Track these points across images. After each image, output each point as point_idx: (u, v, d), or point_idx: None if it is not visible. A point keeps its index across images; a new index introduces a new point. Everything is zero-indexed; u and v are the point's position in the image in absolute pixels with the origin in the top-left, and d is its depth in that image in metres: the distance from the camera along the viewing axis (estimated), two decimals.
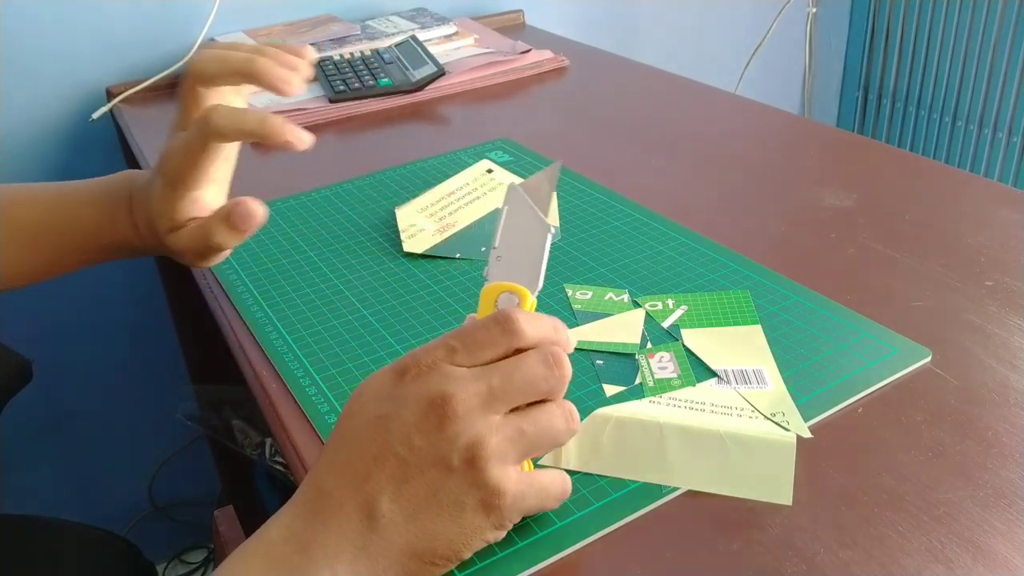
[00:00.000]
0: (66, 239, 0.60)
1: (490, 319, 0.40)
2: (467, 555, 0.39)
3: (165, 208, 0.55)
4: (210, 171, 0.53)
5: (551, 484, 0.41)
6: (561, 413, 0.40)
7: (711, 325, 0.56)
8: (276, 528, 0.38)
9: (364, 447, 0.38)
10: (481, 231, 0.68)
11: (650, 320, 0.57)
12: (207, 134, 0.50)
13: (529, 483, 0.39)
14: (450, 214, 0.69)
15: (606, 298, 0.60)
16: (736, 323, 0.56)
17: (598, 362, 0.54)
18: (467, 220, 0.69)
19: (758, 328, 0.56)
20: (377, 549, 0.37)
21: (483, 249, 0.66)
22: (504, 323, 0.39)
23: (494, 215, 0.70)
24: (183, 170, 0.53)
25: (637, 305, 0.59)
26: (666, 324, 0.57)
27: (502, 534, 0.40)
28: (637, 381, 0.52)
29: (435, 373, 0.38)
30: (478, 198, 0.73)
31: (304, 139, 0.50)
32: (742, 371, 0.52)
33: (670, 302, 0.59)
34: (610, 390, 0.51)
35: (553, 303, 0.60)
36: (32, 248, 0.60)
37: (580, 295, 0.61)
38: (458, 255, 0.65)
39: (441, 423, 0.37)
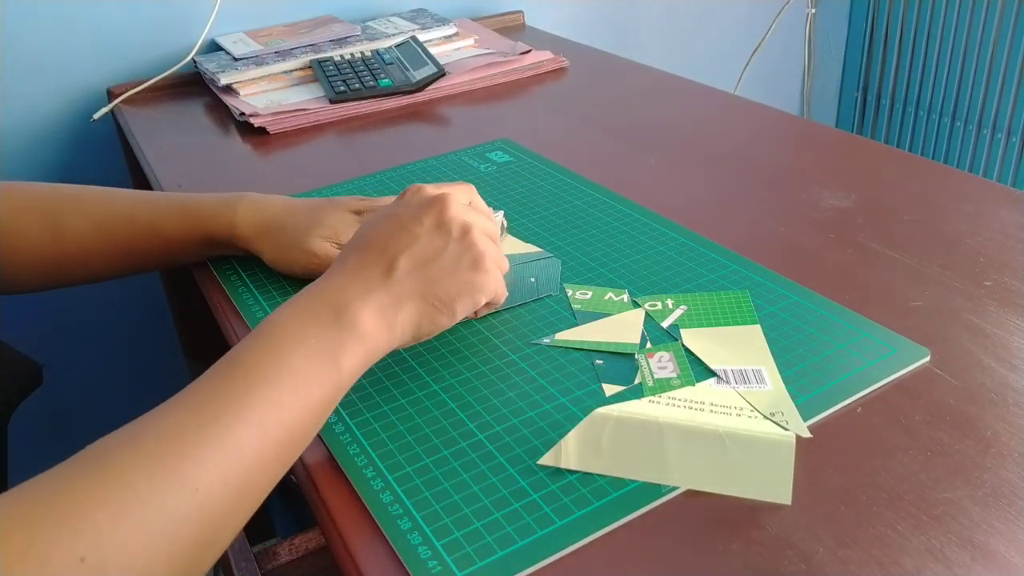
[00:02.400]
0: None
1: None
2: (459, 308, 0.51)
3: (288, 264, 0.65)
4: None
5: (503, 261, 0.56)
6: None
7: (710, 325, 0.56)
8: (311, 290, 0.49)
9: (380, 231, 0.51)
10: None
11: (649, 320, 0.58)
12: None
13: (498, 270, 0.54)
14: None
15: (606, 298, 0.60)
16: (735, 323, 0.56)
17: (598, 362, 0.54)
18: None
19: (757, 328, 0.56)
20: (396, 290, 0.49)
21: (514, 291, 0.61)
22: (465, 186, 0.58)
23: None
24: None
25: (637, 305, 0.59)
26: (665, 324, 0.57)
27: (483, 301, 0.53)
28: (637, 381, 0.52)
29: (429, 189, 0.54)
30: None
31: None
32: (741, 371, 0.52)
33: (669, 302, 0.59)
34: (610, 390, 0.51)
35: (553, 303, 0.60)
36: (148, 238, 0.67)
37: (580, 295, 0.61)
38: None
39: (442, 211, 0.52)
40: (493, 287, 0.53)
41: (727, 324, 0.56)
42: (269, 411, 0.42)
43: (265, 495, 0.42)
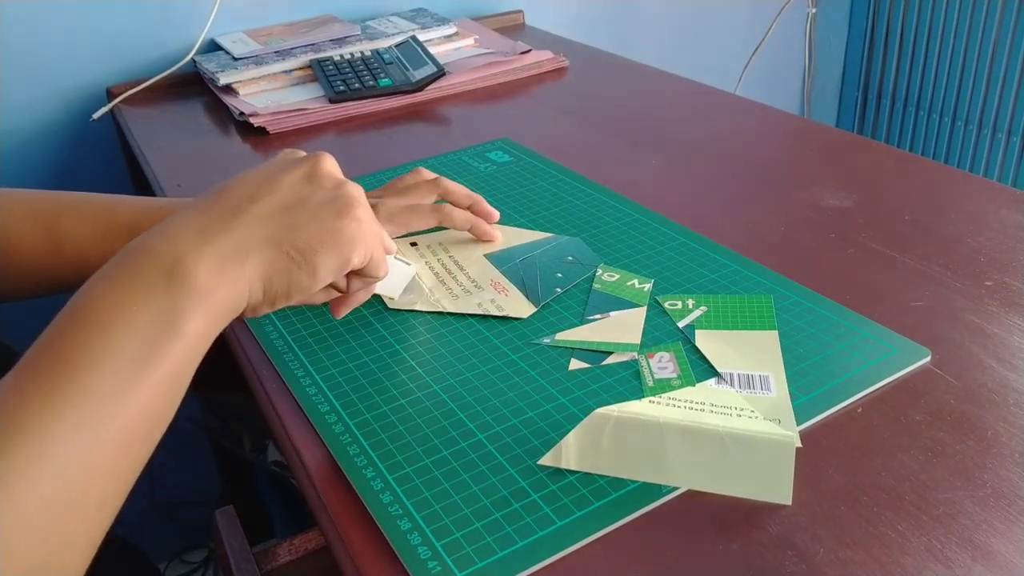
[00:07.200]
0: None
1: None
2: (322, 263, 0.44)
3: None
4: None
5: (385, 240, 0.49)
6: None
7: (727, 328, 0.56)
8: (134, 245, 0.41)
9: (238, 180, 0.45)
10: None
11: (666, 319, 0.57)
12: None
13: (378, 227, 0.47)
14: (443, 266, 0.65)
15: (629, 284, 0.61)
16: (753, 327, 0.56)
17: (562, 270, 0.54)
18: (471, 265, 0.65)
19: (774, 334, 0.55)
20: (241, 236, 0.42)
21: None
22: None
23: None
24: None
25: (656, 301, 0.59)
26: (682, 324, 0.57)
27: (354, 259, 0.45)
28: (637, 381, 0.52)
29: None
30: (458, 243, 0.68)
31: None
32: (747, 376, 0.52)
33: (690, 302, 0.59)
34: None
35: (554, 303, 0.60)
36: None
37: (607, 276, 0.62)
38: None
39: (316, 164, 0.46)
40: (366, 244, 0.46)
41: (744, 328, 0.56)
42: (89, 409, 0.35)
43: (120, 499, 0.37)
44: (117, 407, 0.36)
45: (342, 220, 0.44)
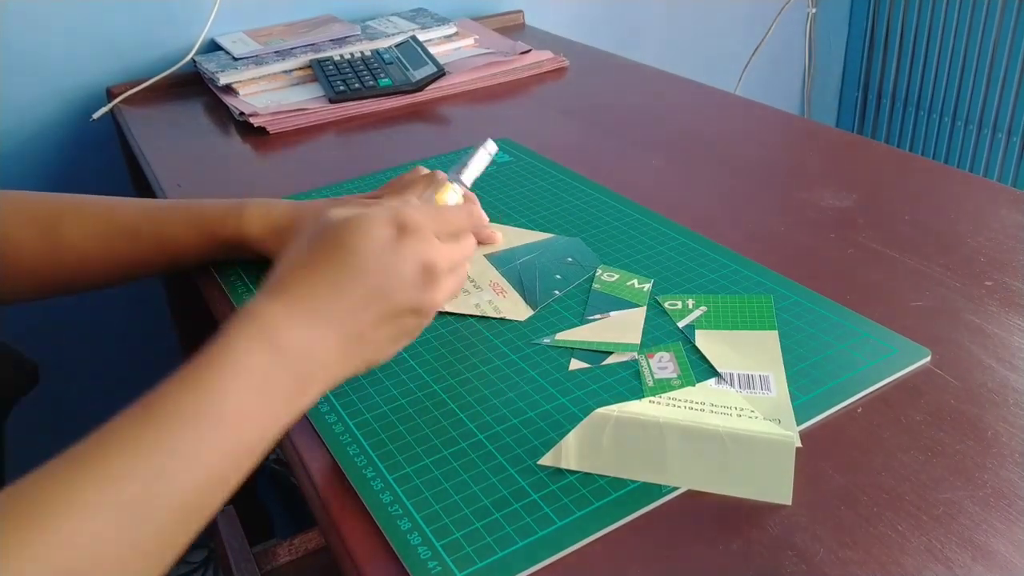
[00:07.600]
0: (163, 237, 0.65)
1: (464, 210, 0.56)
2: (377, 365, 0.49)
3: None
4: None
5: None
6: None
7: (728, 328, 0.56)
8: (282, 326, 0.45)
9: (369, 284, 0.47)
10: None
11: (666, 318, 0.57)
12: None
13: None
14: None
15: (628, 284, 0.61)
16: (753, 327, 0.56)
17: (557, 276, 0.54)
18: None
19: (774, 334, 0.55)
20: (352, 364, 0.47)
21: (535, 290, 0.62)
22: (475, 212, 0.58)
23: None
24: None
25: (657, 301, 0.59)
26: (682, 324, 0.57)
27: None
28: (637, 381, 0.52)
29: (426, 237, 0.49)
30: None
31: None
32: (747, 376, 0.52)
33: (690, 302, 0.59)
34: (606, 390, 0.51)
35: (554, 303, 0.60)
36: (128, 243, 0.65)
37: (607, 276, 0.62)
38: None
39: (427, 283, 0.48)
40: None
41: (745, 328, 0.56)
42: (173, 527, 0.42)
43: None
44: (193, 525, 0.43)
45: (413, 338, 0.50)
